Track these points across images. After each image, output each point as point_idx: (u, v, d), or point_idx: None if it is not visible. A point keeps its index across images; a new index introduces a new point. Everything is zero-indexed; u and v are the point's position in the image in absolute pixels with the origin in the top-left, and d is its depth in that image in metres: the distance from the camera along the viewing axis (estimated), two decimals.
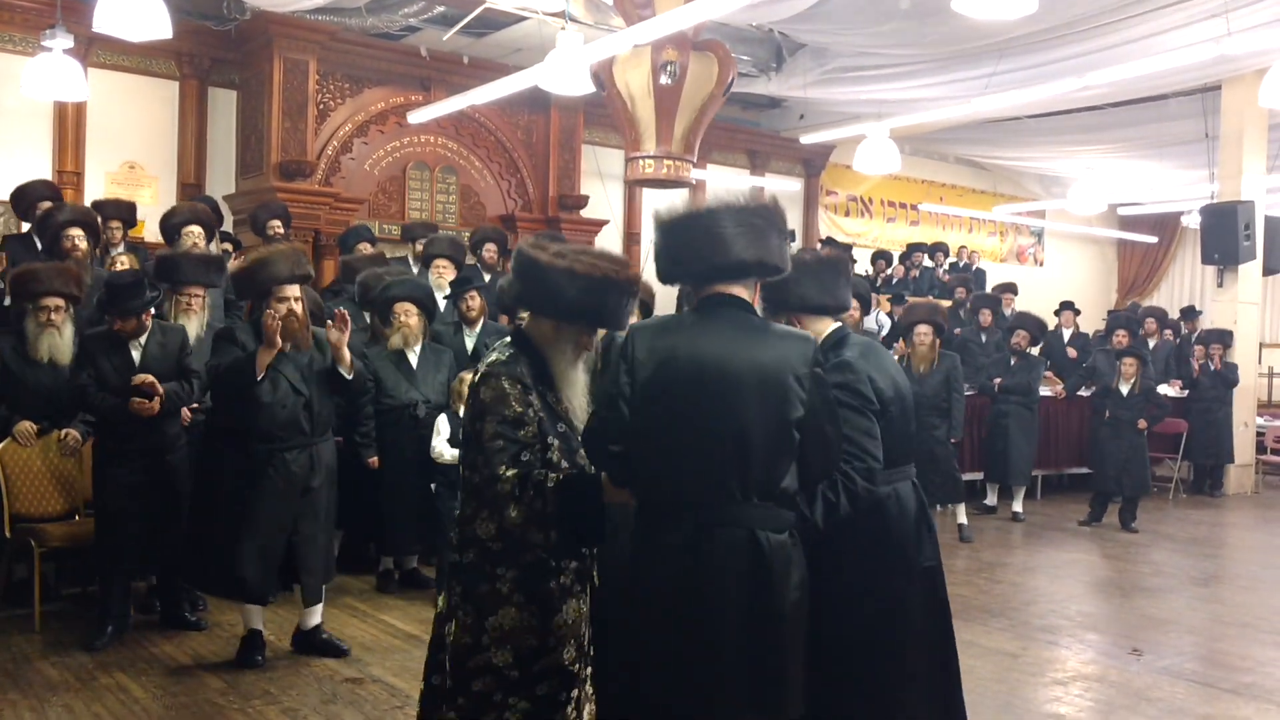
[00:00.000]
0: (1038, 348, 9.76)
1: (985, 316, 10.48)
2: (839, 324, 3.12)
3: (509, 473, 2.55)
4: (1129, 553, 7.99)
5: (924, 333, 7.97)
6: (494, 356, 2.73)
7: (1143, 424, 8.95)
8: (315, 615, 4.87)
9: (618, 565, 2.72)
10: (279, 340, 4.46)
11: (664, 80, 8.31)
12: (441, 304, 7.03)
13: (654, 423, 2.49)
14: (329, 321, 4.72)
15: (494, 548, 2.63)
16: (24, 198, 7.06)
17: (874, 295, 11.63)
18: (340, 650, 4.82)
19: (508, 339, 2.80)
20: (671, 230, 2.61)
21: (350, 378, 4.72)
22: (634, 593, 2.55)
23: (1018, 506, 9.26)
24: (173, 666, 4.66)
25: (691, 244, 2.56)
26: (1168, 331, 12.25)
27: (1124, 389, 9.04)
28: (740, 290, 2.59)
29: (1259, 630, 5.87)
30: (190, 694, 4.32)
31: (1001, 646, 5.37)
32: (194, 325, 5.34)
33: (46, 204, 6.82)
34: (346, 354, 4.67)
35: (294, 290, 4.55)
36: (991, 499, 9.48)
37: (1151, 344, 11.82)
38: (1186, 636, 5.74)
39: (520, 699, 2.61)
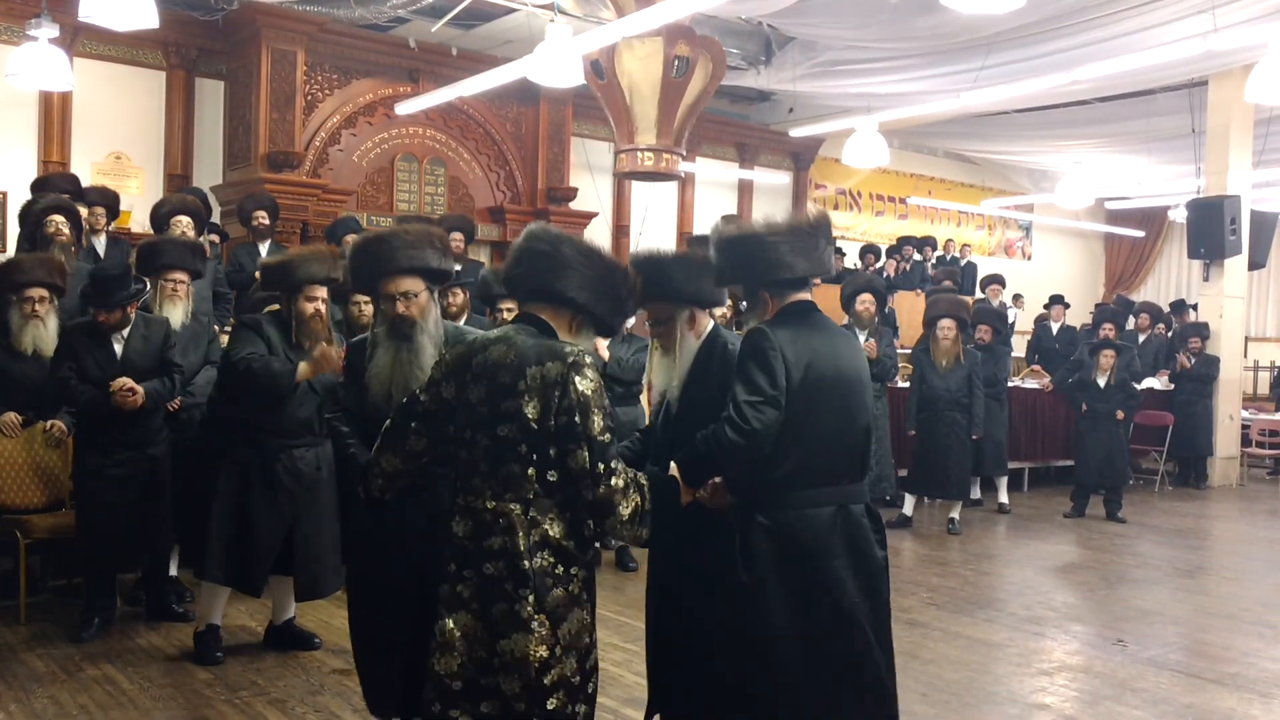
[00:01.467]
0: (1025, 335, 9.76)
1: None
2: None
3: (619, 466, 2.48)
4: (1114, 544, 8.03)
5: (947, 327, 7.96)
6: (548, 343, 2.54)
7: (1120, 414, 9.00)
8: (289, 609, 4.87)
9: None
10: (326, 368, 4.42)
11: (672, 75, 8.34)
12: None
13: (809, 417, 2.86)
14: (322, 344, 4.52)
15: (568, 547, 2.53)
16: (46, 188, 7.00)
17: None
18: (312, 642, 4.82)
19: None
20: (733, 247, 2.96)
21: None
22: (776, 561, 2.84)
23: (1003, 497, 9.30)
24: (159, 658, 4.65)
25: (753, 259, 2.92)
26: (1159, 325, 12.29)
27: (1101, 382, 9.08)
28: (810, 296, 3.03)
29: (1243, 621, 5.91)
30: (177, 685, 4.32)
31: (988, 637, 5.40)
32: (178, 313, 5.31)
33: (65, 196, 6.74)
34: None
35: (323, 292, 4.56)
36: (975, 492, 9.51)
37: (1141, 338, 11.89)
38: (1171, 627, 5.77)
39: (582, 704, 2.55)
